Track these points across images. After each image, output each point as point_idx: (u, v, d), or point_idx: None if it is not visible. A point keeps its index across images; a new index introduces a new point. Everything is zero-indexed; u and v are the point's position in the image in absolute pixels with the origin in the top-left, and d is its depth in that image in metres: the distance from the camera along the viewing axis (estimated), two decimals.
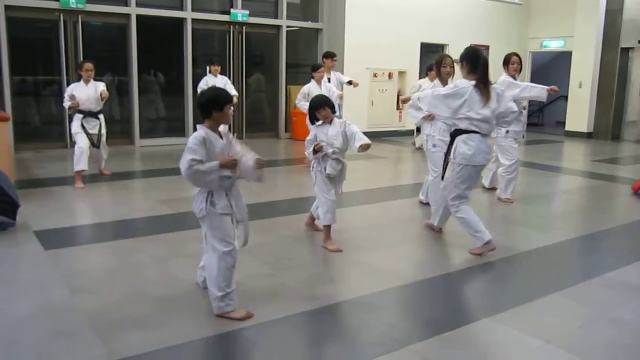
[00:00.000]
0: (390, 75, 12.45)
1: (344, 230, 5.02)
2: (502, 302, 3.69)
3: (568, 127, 13.83)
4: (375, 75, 12.20)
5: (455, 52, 12.08)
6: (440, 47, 13.10)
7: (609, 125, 13.35)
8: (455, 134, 4.50)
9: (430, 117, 5.56)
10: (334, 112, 4.56)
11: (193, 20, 10.61)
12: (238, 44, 11.34)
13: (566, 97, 13.82)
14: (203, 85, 8.79)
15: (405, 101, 5.44)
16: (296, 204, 6.24)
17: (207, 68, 9.36)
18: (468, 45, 14.66)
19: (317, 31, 12.23)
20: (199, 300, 3.51)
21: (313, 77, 8.02)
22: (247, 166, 3.20)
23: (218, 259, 3.19)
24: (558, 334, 3.18)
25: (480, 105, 4.33)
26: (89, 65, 6.96)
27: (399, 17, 12.16)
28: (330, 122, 4.51)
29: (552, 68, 15.49)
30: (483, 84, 4.33)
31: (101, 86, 6.96)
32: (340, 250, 4.55)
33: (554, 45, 14.46)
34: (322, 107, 4.47)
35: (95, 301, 3.47)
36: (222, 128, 3.30)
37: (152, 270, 4.07)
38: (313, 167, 4.61)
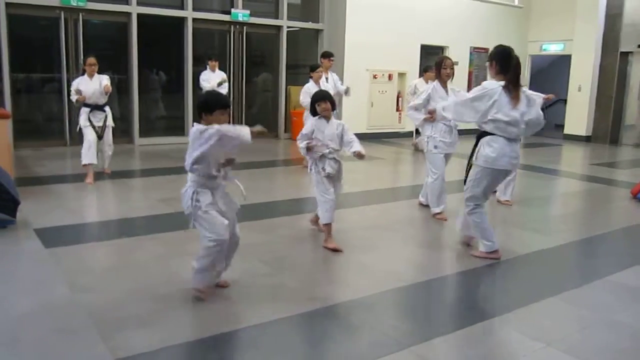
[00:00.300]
0: (390, 77, 12.46)
1: (344, 231, 5.03)
2: (503, 304, 3.71)
3: (567, 131, 13.87)
4: (375, 77, 12.21)
5: (455, 54, 12.25)
6: (440, 49, 13.12)
7: (607, 129, 13.39)
8: (480, 135, 4.36)
9: (432, 119, 5.59)
10: (334, 109, 4.62)
11: (194, 19, 10.62)
12: (238, 44, 11.35)
13: (565, 101, 13.86)
14: (203, 78, 9.22)
15: (431, 112, 5.42)
16: (296, 204, 6.25)
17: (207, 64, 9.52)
18: (468, 46, 14.61)
19: (318, 32, 12.25)
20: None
21: (312, 77, 8.10)
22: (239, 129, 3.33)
23: (203, 246, 3.41)
24: (559, 337, 3.19)
25: (510, 107, 4.18)
26: (92, 60, 7.06)
27: (399, 19, 12.18)
28: (327, 120, 4.56)
29: (551, 71, 15.53)
30: (513, 86, 4.19)
31: (105, 80, 7.05)
32: (340, 250, 4.56)
33: (554, 48, 14.49)
34: (323, 101, 4.54)
35: (97, 299, 3.48)
36: None
37: (153, 268, 4.08)
38: (311, 168, 4.64)
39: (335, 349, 3.00)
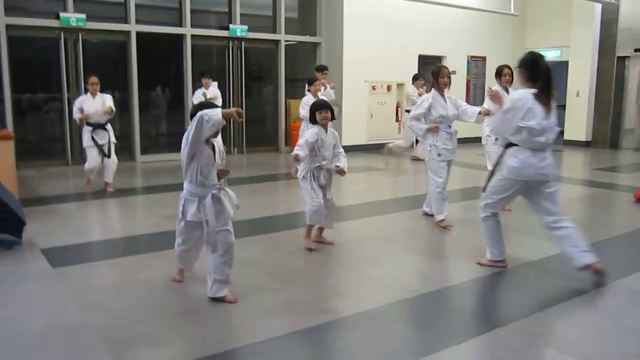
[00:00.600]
0: (389, 88, 12.52)
1: (349, 243, 5.03)
2: (513, 312, 3.70)
3: (567, 136, 13.90)
4: (374, 88, 12.26)
5: (452, 63, 12.31)
6: (438, 58, 13.19)
7: (607, 133, 13.43)
8: (506, 146, 4.30)
9: (435, 129, 5.64)
10: (333, 118, 4.78)
11: (192, 36, 10.69)
12: (237, 59, 11.41)
13: (564, 107, 13.91)
14: (197, 94, 9.21)
15: (487, 112, 5.60)
16: (299, 217, 6.24)
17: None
18: (465, 55, 14.66)
19: (316, 45, 12.32)
20: (210, 315, 3.52)
21: (309, 91, 8.17)
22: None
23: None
24: (571, 344, 3.18)
25: (542, 116, 4.11)
26: (94, 79, 7.16)
27: (396, 30, 12.25)
28: (325, 129, 4.74)
29: None
30: (545, 94, 4.11)
31: (108, 100, 7.13)
32: (313, 249, 4.79)
33: (551, 55, 14.52)
34: (323, 109, 4.70)
35: (106, 318, 3.47)
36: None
37: (160, 286, 4.07)
38: (303, 176, 4.81)
39: None
